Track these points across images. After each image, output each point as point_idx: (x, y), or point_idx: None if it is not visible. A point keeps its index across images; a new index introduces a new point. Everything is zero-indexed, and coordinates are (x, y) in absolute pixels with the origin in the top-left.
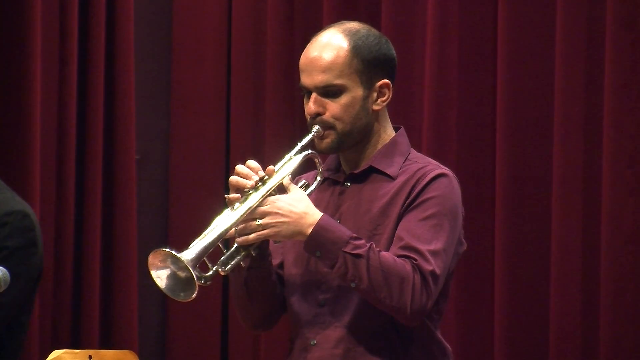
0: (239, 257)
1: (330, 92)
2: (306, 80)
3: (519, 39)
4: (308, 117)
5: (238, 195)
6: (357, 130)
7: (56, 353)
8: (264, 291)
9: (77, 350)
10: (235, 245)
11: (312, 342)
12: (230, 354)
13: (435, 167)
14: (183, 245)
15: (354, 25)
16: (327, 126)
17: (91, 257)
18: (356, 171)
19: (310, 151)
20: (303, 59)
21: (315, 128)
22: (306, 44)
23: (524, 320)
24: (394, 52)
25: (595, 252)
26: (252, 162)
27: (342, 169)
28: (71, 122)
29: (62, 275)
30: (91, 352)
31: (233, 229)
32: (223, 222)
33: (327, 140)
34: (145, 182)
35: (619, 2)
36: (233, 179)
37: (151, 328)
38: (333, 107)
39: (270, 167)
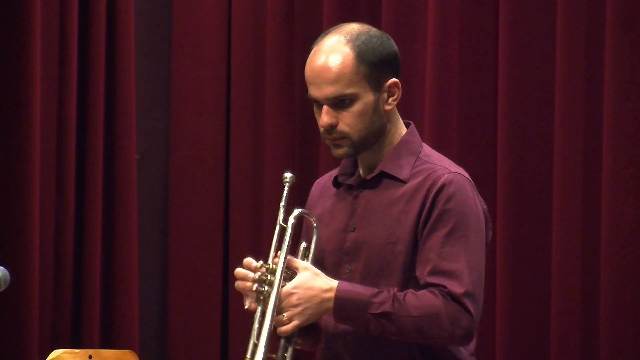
0: (291, 344)
1: (341, 102)
2: (315, 92)
3: (519, 39)
4: (321, 129)
5: (254, 305)
6: (373, 135)
7: (56, 353)
8: (311, 333)
9: (77, 350)
10: (282, 339)
11: (335, 351)
12: (230, 355)
13: (445, 171)
14: (183, 245)
15: (354, 28)
16: (342, 136)
17: (91, 256)
18: (368, 177)
19: (299, 211)
20: (309, 71)
21: (287, 177)
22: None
23: (525, 320)
24: (396, 47)
25: (595, 251)
26: (248, 262)
27: (358, 171)
28: (71, 121)
29: (62, 275)
30: (91, 351)
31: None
32: (259, 339)
33: (344, 149)
34: (146, 182)
35: (619, 2)
36: (237, 285)
37: (151, 328)
38: (346, 117)
39: (276, 259)
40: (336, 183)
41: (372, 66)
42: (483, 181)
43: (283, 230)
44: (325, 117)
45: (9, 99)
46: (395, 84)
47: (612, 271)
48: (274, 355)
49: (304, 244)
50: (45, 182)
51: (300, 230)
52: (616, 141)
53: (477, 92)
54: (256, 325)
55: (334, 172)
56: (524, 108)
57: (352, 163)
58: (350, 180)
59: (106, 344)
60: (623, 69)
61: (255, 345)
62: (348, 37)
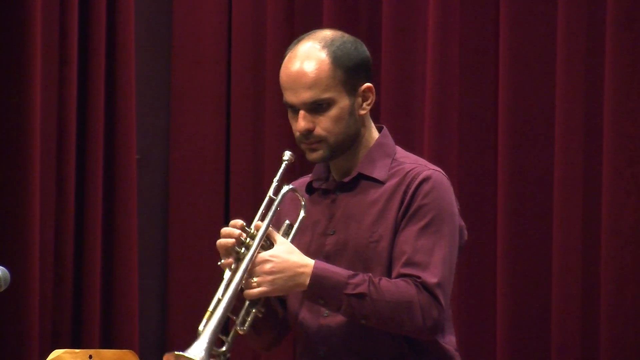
0: (253, 310)
1: (318, 107)
2: (292, 98)
3: (520, 39)
4: (297, 134)
5: (230, 260)
6: (349, 139)
7: (56, 353)
8: (269, 323)
9: (77, 350)
10: (247, 302)
11: (321, 353)
12: (231, 355)
13: (424, 168)
14: (183, 245)
15: (327, 34)
16: (318, 140)
17: (91, 256)
18: (345, 180)
19: (289, 187)
20: (284, 77)
21: (286, 156)
22: None
23: (526, 320)
24: (368, 53)
25: (596, 251)
26: (234, 221)
27: (332, 176)
28: (71, 121)
29: (62, 275)
30: (91, 351)
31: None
32: (225, 296)
33: (320, 152)
34: (146, 182)
35: (619, 1)
36: (219, 242)
37: (151, 328)
38: (323, 121)
39: (258, 223)
40: (309, 189)
41: (347, 71)
42: (483, 181)
43: (271, 203)
44: (302, 122)
45: (9, 99)
46: (369, 88)
47: (612, 271)
48: (234, 317)
49: (287, 222)
50: (45, 182)
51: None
52: (616, 141)
53: (478, 92)
54: (224, 283)
55: (304, 180)
56: (524, 108)
57: (325, 168)
58: (326, 185)
59: (106, 344)
60: (623, 68)
61: (219, 301)
62: (323, 43)
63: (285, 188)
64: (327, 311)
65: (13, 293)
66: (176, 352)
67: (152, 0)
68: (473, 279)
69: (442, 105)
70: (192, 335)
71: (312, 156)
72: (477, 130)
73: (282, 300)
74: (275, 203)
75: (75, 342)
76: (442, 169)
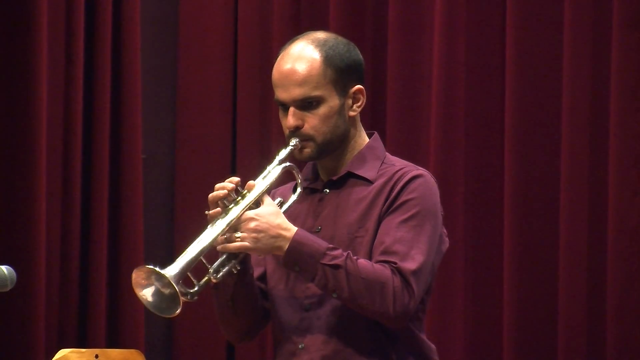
0: (230, 264)
1: (308, 104)
2: (283, 94)
3: (526, 39)
4: (287, 131)
5: (218, 209)
6: (337, 139)
7: (62, 352)
8: (248, 305)
9: (83, 350)
10: (227, 254)
11: (300, 346)
12: (237, 353)
13: (413, 169)
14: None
15: (321, 35)
16: (306, 138)
17: (98, 256)
18: (334, 178)
19: (288, 164)
20: (277, 74)
21: (293, 141)
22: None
23: (532, 319)
24: (361, 56)
25: (602, 251)
26: (231, 178)
27: (320, 176)
28: (77, 121)
29: (68, 274)
30: (97, 351)
31: (218, 240)
32: (204, 237)
33: (307, 151)
34: (152, 181)
35: (625, 1)
36: (211, 195)
37: (157, 327)
38: (312, 119)
39: (250, 182)
40: (296, 189)
41: (338, 71)
42: (490, 181)
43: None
44: (291, 119)
45: (15, 98)
46: (360, 90)
47: (618, 271)
48: (209, 266)
49: (279, 199)
50: (51, 182)
51: None
52: (622, 141)
53: (484, 91)
54: (206, 230)
55: (290, 184)
56: (530, 108)
57: (313, 170)
58: (314, 184)
59: (112, 343)
60: (629, 68)
61: (198, 243)
62: (316, 43)
63: (287, 164)
64: (308, 304)
65: (19, 292)
66: (148, 266)
67: (159, 0)
68: (480, 278)
69: (449, 104)
70: (197, 336)
71: (301, 155)
72: (483, 129)
73: (264, 293)
74: (273, 174)
75: (81, 342)
76: (448, 168)
